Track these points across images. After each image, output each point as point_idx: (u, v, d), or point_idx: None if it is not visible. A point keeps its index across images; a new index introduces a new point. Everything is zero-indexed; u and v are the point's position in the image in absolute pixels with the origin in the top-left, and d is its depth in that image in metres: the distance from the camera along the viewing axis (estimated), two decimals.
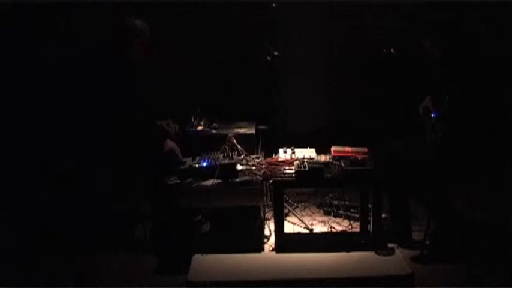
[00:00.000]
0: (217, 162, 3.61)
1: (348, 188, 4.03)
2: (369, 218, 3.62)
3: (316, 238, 3.83)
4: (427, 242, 3.52)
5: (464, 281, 3.24)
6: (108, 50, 3.78)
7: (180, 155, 3.72)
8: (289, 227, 3.93)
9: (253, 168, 3.75)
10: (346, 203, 4.12)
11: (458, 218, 3.55)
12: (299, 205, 4.36)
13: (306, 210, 4.31)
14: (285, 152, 3.90)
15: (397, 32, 4.79)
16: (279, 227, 3.58)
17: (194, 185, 3.53)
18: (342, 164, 3.58)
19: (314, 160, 3.72)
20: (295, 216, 4.16)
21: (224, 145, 3.86)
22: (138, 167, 3.61)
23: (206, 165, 3.60)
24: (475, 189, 4.45)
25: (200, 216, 3.62)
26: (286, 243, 3.58)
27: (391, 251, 3.46)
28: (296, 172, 3.52)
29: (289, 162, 3.72)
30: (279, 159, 3.80)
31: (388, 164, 3.68)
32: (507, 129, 4.46)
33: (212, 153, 3.78)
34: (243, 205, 3.51)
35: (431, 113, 3.66)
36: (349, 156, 3.69)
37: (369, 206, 3.65)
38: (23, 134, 4.78)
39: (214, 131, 4.12)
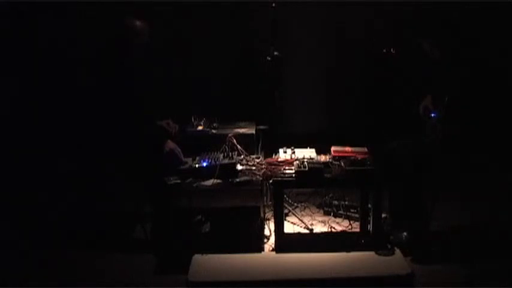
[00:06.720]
0: (217, 162, 3.60)
1: (348, 188, 4.03)
2: (369, 218, 3.62)
3: (316, 238, 3.82)
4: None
5: (464, 281, 3.24)
6: (108, 50, 3.78)
7: (181, 155, 3.71)
8: (289, 227, 3.93)
9: (253, 168, 3.74)
10: (346, 203, 4.11)
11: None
12: (299, 205, 4.35)
13: (306, 210, 4.31)
14: (285, 152, 3.90)
15: (396, 32, 4.78)
16: (279, 227, 3.58)
17: (194, 185, 3.53)
18: (342, 164, 3.58)
19: (314, 160, 3.72)
20: (295, 216, 4.16)
21: (224, 145, 3.86)
22: (139, 167, 3.61)
23: (206, 165, 3.60)
24: (475, 189, 4.47)
25: (200, 216, 3.62)
26: (286, 243, 3.58)
27: (391, 251, 3.46)
28: (296, 172, 3.52)
29: (289, 162, 3.72)
30: (279, 159, 3.80)
31: (387, 164, 3.68)
32: (507, 128, 4.47)
33: (212, 153, 3.78)
34: (243, 205, 3.51)
35: (431, 113, 3.66)
36: (349, 156, 3.69)
37: (369, 206, 3.64)
38: (22, 133, 4.78)
39: (214, 131, 4.12)
